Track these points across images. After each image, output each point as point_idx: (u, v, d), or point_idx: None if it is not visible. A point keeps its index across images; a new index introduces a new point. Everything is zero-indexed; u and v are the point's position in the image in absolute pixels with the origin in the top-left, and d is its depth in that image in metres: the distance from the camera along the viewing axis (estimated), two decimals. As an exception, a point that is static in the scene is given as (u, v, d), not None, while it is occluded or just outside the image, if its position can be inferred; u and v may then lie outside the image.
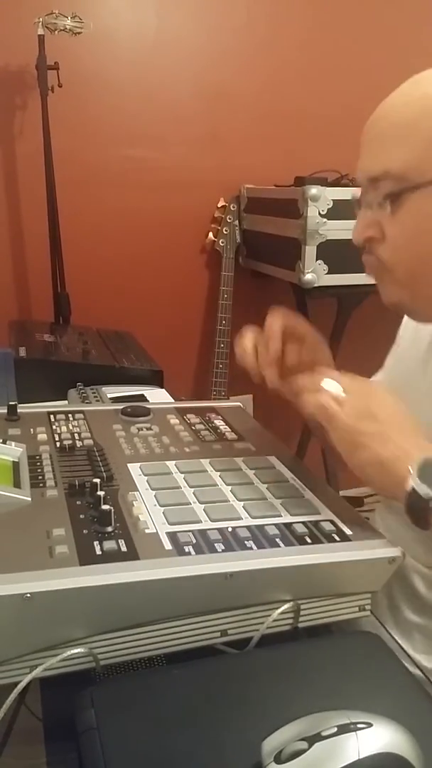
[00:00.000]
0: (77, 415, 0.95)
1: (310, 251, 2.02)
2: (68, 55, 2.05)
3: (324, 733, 0.46)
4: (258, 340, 0.91)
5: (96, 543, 0.61)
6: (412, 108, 0.75)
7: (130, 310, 2.37)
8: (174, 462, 0.80)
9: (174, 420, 0.96)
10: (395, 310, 0.86)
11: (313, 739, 0.45)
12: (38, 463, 0.78)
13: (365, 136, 0.79)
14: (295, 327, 0.92)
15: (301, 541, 0.64)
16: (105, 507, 0.63)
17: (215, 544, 0.62)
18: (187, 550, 0.61)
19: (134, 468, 0.78)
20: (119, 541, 0.61)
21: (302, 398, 0.73)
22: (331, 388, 0.71)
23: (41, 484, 0.72)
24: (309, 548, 0.64)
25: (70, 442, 0.84)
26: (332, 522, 0.68)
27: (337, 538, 0.66)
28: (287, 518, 0.68)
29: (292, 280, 2.14)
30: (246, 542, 0.63)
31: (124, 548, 0.60)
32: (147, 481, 0.75)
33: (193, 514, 0.67)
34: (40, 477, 0.74)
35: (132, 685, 0.56)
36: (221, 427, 0.95)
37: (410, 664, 0.68)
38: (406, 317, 1.03)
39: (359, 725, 0.46)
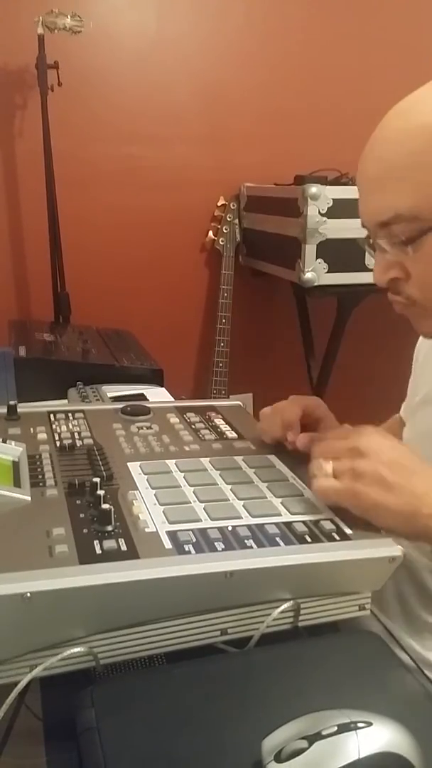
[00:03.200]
0: (77, 415, 0.95)
1: (310, 250, 2.02)
2: (68, 55, 2.06)
3: (324, 732, 0.45)
4: (274, 421, 0.86)
5: (96, 542, 0.60)
6: (411, 144, 0.69)
7: (130, 309, 2.37)
8: (174, 461, 0.80)
9: (174, 419, 0.96)
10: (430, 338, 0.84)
11: (314, 738, 0.45)
12: (38, 463, 0.78)
13: (364, 179, 0.75)
14: (312, 412, 0.88)
15: (301, 540, 0.64)
16: (105, 506, 0.63)
17: (215, 543, 0.62)
18: (187, 549, 0.61)
19: (134, 467, 0.78)
20: (119, 540, 0.61)
21: (315, 489, 0.70)
22: (325, 469, 0.69)
23: (41, 484, 0.72)
24: (309, 547, 0.63)
25: (70, 441, 0.84)
26: (332, 521, 0.68)
27: (337, 537, 0.66)
28: (287, 517, 0.68)
29: (292, 279, 2.14)
30: (246, 541, 0.63)
31: (124, 547, 0.60)
32: (147, 480, 0.74)
33: (193, 513, 0.67)
34: (40, 476, 0.74)
35: (132, 684, 0.56)
36: (221, 426, 0.95)
37: (412, 663, 0.67)
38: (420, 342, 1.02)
39: (359, 724, 0.46)
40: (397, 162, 0.71)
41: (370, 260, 1.84)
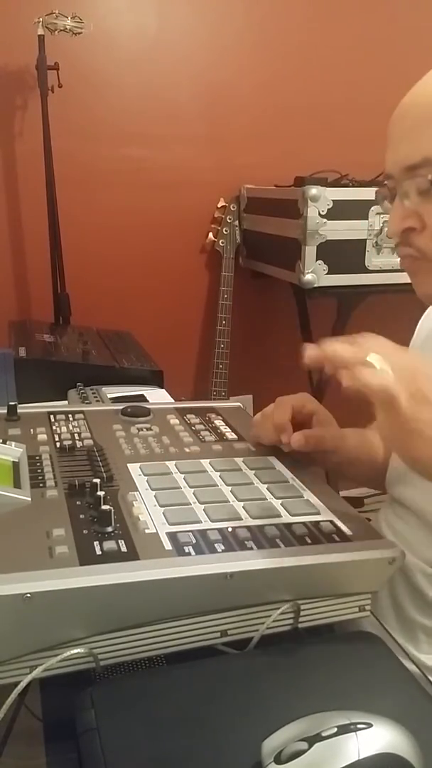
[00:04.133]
0: (77, 416, 0.95)
1: (310, 251, 2.02)
2: (68, 56, 2.06)
3: (324, 734, 0.45)
4: (265, 427, 0.86)
5: (96, 543, 0.60)
6: None
7: (130, 310, 2.37)
8: (174, 462, 0.80)
9: (174, 420, 0.96)
10: (430, 302, 0.84)
11: (313, 739, 0.45)
12: (38, 464, 0.78)
13: (397, 125, 0.77)
14: (302, 408, 0.88)
15: (301, 541, 0.64)
16: (105, 507, 0.63)
17: (215, 545, 0.62)
18: (187, 550, 0.61)
19: (134, 468, 0.78)
20: (119, 541, 0.61)
21: (348, 373, 0.60)
22: (378, 364, 0.60)
23: (41, 485, 0.72)
24: (309, 548, 0.64)
25: (70, 442, 0.84)
26: (332, 522, 0.68)
27: (337, 539, 0.66)
28: (287, 518, 0.68)
29: (292, 281, 2.14)
30: (246, 542, 0.63)
31: (124, 548, 0.60)
32: (147, 481, 0.75)
33: (193, 514, 0.67)
34: (40, 477, 0.74)
35: (132, 685, 0.56)
36: (221, 427, 0.95)
37: (411, 664, 0.67)
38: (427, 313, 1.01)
39: (359, 725, 0.46)
40: (429, 112, 0.72)
41: (370, 261, 1.86)
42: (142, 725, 0.51)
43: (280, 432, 0.84)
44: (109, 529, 0.63)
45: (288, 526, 0.67)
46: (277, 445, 0.85)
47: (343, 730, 0.46)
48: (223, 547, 0.62)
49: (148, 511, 0.67)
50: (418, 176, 0.74)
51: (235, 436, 0.91)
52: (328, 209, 2.00)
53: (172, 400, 1.32)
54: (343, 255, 2.03)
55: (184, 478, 0.76)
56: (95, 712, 0.52)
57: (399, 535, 0.91)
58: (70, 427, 0.90)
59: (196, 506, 0.69)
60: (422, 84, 0.76)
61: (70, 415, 0.95)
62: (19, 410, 0.92)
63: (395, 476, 0.96)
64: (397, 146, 0.77)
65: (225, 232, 2.45)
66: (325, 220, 2.00)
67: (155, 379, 1.48)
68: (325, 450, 0.88)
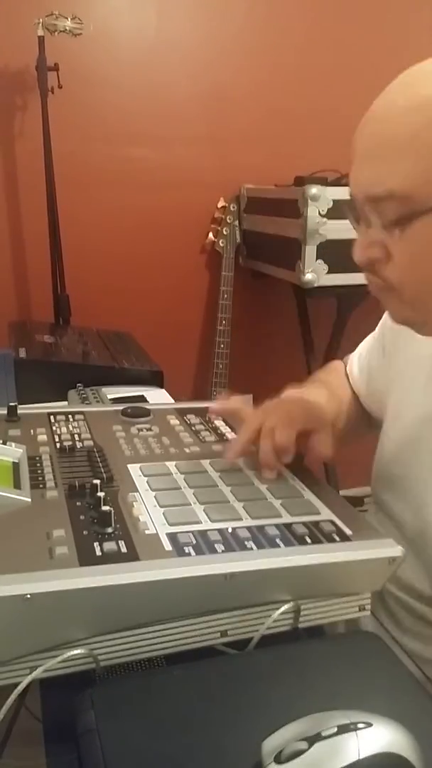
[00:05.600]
0: (77, 416, 0.95)
1: (310, 251, 2.02)
2: (68, 56, 2.06)
3: (324, 734, 0.45)
4: (266, 448, 0.80)
5: (96, 544, 0.61)
6: (413, 118, 0.64)
7: (130, 310, 2.37)
8: (174, 463, 0.80)
9: (174, 421, 0.96)
10: (404, 326, 0.79)
11: (314, 739, 0.45)
12: (38, 464, 0.78)
13: (360, 147, 0.69)
14: (305, 427, 0.82)
15: (301, 541, 0.64)
16: (105, 508, 0.63)
17: (215, 545, 0.62)
18: (187, 550, 0.61)
19: (134, 469, 0.78)
20: (119, 542, 0.61)
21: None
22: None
23: (41, 485, 0.72)
24: (309, 548, 0.64)
25: (70, 443, 0.84)
26: (332, 522, 0.68)
27: (337, 538, 0.66)
28: (287, 518, 0.68)
29: (292, 280, 2.14)
30: (246, 543, 0.63)
31: (124, 549, 0.60)
32: (147, 481, 0.75)
33: (193, 514, 0.67)
34: (40, 478, 0.74)
35: (132, 686, 0.56)
36: (221, 427, 0.95)
37: (411, 664, 0.67)
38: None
39: (359, 725, 0.46)
40: (396, 137, 0.65)
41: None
42: (142, 726, 0.51)
43: (282, 455, 0.79)
44: (109, 529, 0.63)
45: (288, 526, 0.67)
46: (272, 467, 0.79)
47: (343, 729, 0.46)
48: (223, 548, 0.62)
49: (148, 511, 0.68)
50: (382, 209, 0.68)
51: (235, 436, 0.91)
52: (329, 209, 2.00)
53: (172, 401, 1.32)
54: (344, 254, 2.01)
55: (184, 479, 0.76)
56: (95, 712, 0.52)
57: None
58: (70, 428, 0.90)
59: (196, 507, 0.69)
60: (386, 101, 0.69)
61: (70, 416, 0.95)
62: (19, 411, 0.92)
63: (382, 480, 0.95)
64: (359, 168, 0.70)
65: (225, 232, 2.45)
66: (325, 219, 2.00)
67: (155, 380, 1.48)
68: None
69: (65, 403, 1.31)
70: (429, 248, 0.67)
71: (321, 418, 0.86)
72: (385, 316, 1.03)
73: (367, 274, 0.74)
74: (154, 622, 0.58)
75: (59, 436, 0.87)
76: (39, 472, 0.76)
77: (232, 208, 2.46)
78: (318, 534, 0.66)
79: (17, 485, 0.71)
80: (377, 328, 1.05)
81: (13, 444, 0.81)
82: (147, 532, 0.64)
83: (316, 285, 2.05)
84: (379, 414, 1.01)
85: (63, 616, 0.55)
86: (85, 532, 0.62)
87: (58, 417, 0.94)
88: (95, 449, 0.83)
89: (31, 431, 0.87)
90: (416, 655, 0.74)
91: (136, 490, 0.72)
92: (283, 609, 0.62)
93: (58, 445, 0.84)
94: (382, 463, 0.95)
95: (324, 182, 2.07)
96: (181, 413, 0.99)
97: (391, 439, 0.94)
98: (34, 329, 1.84)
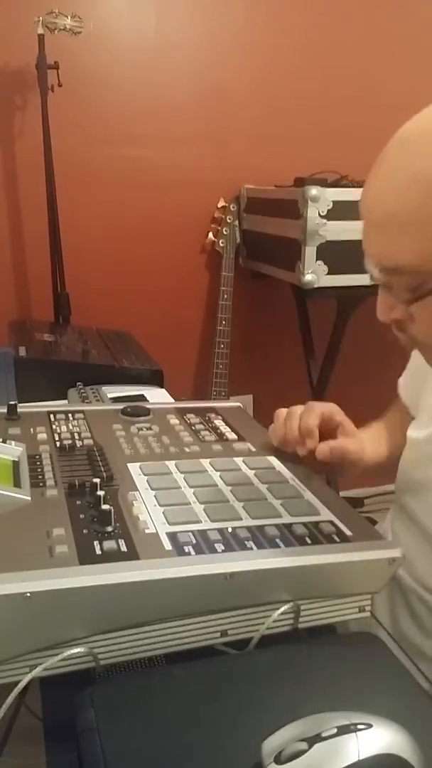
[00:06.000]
0: (77, 415, 0.95)
1: (310, 252, 2.02)
2: (68, 55, 2.06)
3: (324, 734, 0.45)
4: (291, 426, 0.85)
5: (96, 543, 0.60)
6: (414, 196, 0.62)
7: (130, 310, 2.37)
8: (174, 462, 0.80)
9: (174, 420, 0.96)
10: None
11: (313, 740, 0.45)
12: (38, 463, 0.78)
13: (365, 215, 0.68)
14: (330, 419, 0.86)
15: (301, 541, 0.64)
16: (105, 507, 0.63)
17: (215, 545, 0.62)
18: (186, 550, 0.61)
19: (134, 468, 0.78)
20: (119, 540, 0.61)
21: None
22: None
23: (41, 484, 0.72)
24: (309, 549, 0.64)
25: (70, 441, 0.84)
26: (332, 523, 0.68)
27: (336, 539, 0.66)
28: (287, 519, 0.68)
29: (292, 281, 2.14)
30: (246, 542, 0.63)
31: (123, 548, 0.60)
32: (147, 481, 0.75)
33: (193, 514, 0.67)
34: (40, 477, 0.74)
35: (132, 685, 0.56)
36: (221, 427, 0.95)
37: (411, 665, 0.67)
38: None
39: (359, 726, 0.46)
40: (396, 211, 0.64)
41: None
42: (142, 725, 0.51)
43: (307, 437, 0.82)
44: (109, 528, 0.63)
45: (288, 526, 0.67)
46: (295, 446, 0.84)
47: (343, 730, 0.46)
48: (223, 547, 0.62)
49: (148, 510, 0.68)
50: (395, 279, 0.67)
51: (235, 436, 0.91)
52: (328, 210, 2.00)
53: (172, 400, 1.32)
54: (344, 255, 2.03)
55: (184, 478, 0.76)
56: (95, 711, 0.52)
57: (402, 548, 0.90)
58: (70, 427, 0.90)
59: (196, 506, 0.69)
60: (386, 172, 0.65)
61: (70, 415, 0.95)
62: (19, 410, 0.92)
63: (405, 483, 0.95)
64: (368, 239, 0.69)
65: (225, 233, 2.45)
66: (325, 220, 2.00)
67: (155, 379, 1.48)
68: (345, 463, 0.88)
69: (65, 401, 1.31)
70: None
71: (351, 426, 0.89)
72: None
73: (395, 331, 0.73)
74: (154, 622, 0.58)
75: (59, 434, 0.87)
76: (39, 470, 0.76)
77: (232, 209, 2.46)
78: (318, 534, 0.66)
79: (17, 484, 0.71)
80: None
81: (13, 442, 0.81)
82: (147, 531, 0.64)
83: (316, 286, 2.05)
84: None
85: (63, 615, 0.55)
86: (85, 531, 0.62)
87: (58, 416, 0.94)
88: (95, 448, 0.83)
89: (31, 430, 0.87)
90: None
91: (136, 489, 0.72)
92: (282, 609, 0.62)
93: (58, 443, 0.84)
94: (404, 466, 0.95)
95: (324, 183, 2.07)
96: (181, 412, 0.99)
97: (414, 442, 0.94)
98: (34, 328, 1.84)
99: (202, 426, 0.94)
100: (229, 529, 0.65)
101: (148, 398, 1.30)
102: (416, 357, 1.03)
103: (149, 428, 0.92)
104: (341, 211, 2.00)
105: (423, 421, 0.93)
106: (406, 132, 0.65)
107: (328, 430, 0.87)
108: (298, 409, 0.86)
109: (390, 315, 0.71)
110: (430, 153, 0.61)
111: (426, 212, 0.62)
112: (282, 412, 0.87)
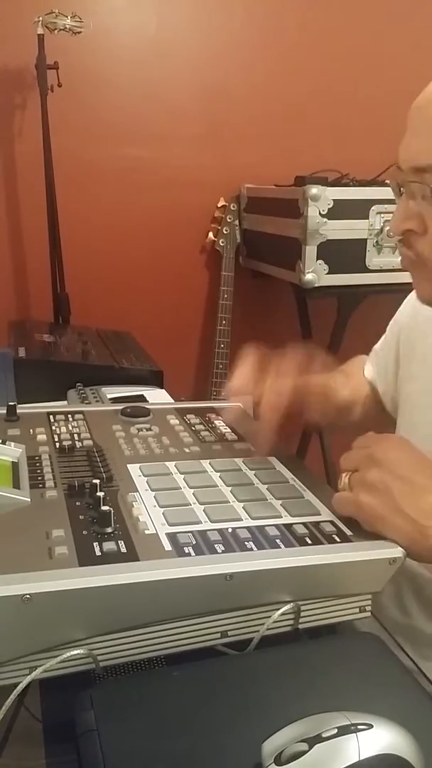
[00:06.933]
0: (77, 416, 0.94)
1: (310, 251, 2.02)
2: (68, 55, 2.06)
3: (324, 735, 0.45)
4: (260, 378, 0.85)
5: (95, 544, 0.60)
6: None
7: (130, 310, 2.37)
8: (174, 463, 0.80)
9: (174, 420, 0.96)
10: (429, 305, 0.83)
11: (314, 740, 0.45)
12: (38, 464, 0.77)
13: (412, 119, 0.74)
14: (306, 367, 0.86)
15: (302, 541, 0.64)
16: (105, 508, 0.63)
17: (215, 545, 0.62)
18: (187, 551, 0.61)
19: (134, 469, 0.78)
20: (119, 542, 0.61)
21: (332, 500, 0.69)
22: (342, 481, 0.68)
23: (41, 485, 0.72)
24: (309, 549, 0.63)
25: (69, 442, 0.84)
26: (332, 523, 0.68)
27: (337, 539, 0.66)
28: (287, 519, 0.68)
29: (292, 280, 2.14)
30: (246, 543, 0.63)
31: (123, 549, 0.60)
32: (147, 481, 0.74)
33: (193, 514, 0.67)
34: (39, 478, 0.74)
35: (132, 686, 0.56)
36: (221, 427, 0.94)
37: (411, 665, 0.67)
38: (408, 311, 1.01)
39: (360, 726, 0.46)
40: None
41: (370, 261, 1.87)
42: (142, 726, 0.51)
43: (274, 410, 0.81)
44: (109, 529, 0.62)
45: (288, 526, 0.67)
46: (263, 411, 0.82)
47: (344, 731, 0.45)
48: (223, 548, 0.62)
49: (148, 511, 0.67)
50: (426, 180, 0.72)
51: (235, 437, 0.91)
52: (329, 209, 2.00)
53: (172, 401, 1.32)
54: (344, 255, 2.03)
55: (183, 479, 0.75)
56: (95, 713, 0.52)
57: None
58: (70, 428, 0.90)
59: (196, 507, 0.69)
60: (429, 88, 0.73)
61: (69, 416, 0.94)
62: (18, 410, 0.92)
63: None
64: (409, 141, 0.75)
65: (225, 232, 2.45)
66: (325, 219, 2.00)
67: (155, 380, 1.47)
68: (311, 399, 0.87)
69: (65, 402, 1.31)
70: None
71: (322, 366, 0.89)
72: (397, 315, 1.03)
73: (401, 246, 0.78)
74: (153, 623, 0.58)
75: (59, 435, 0.87)
76: (38, 471, 0.75)
77: (232, 208, 2.46)
78: (318, 534, 0.66)
79: (16, 485, 0.71)
80: (387, 329, 1.06)
81: (13, 443, 0.80)
82: (147, 532, 0.63)
83: (316, 285, 2.05)
84: (393, 412, 1.01)
85: (62, 617, 0.55)
86: (84, 532, 0.62)
87: (58, 416, 0.94)
88: (95, 449, 0.83)
89: (31, 431, 0.87)
90: None
91: (136, 490, 0.72)
92: (283, 610, 0.62)
93: (57, 444, 0.84)
94: None
95: (324, 182, 2.07)
96: (181, 413, 0.99)
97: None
98: (34, 328, 1.84)
99: (202, 426, 0.94)
100: (230, 530, 0.65)
101: (147, 399, 1.30)
102: (386, 356, 1.04)
103: (149, 429, 0.92)
104: (342, 209, 2.00)
105: (414, 419, 0.93)
106: None
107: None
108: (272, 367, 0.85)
109: (404, 224, 0.75)
110: None
111: None
112: (250, 364, 0.87)
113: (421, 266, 0.77)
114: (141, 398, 1.30)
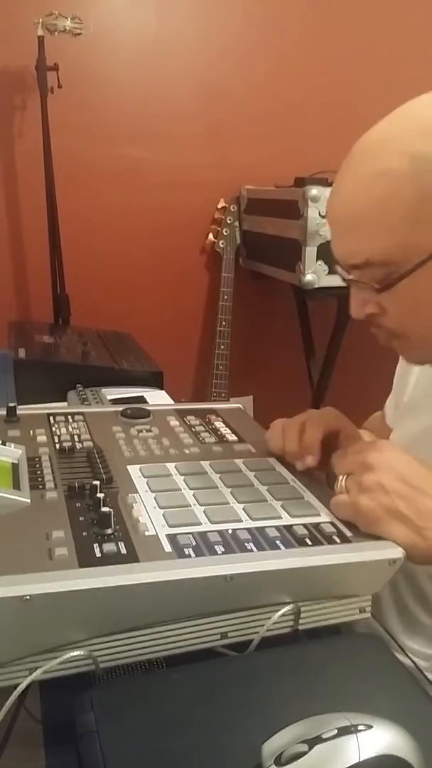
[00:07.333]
0: (77, 417, 0.94)
1: (310, 252, 2.02)
2: (68, 56, 2.06)
3: (324, 736, 0.45)
4: (291, 438, 0.82)
5: (95, 545, 0.60)
6: (376, 190, 0.68)
7: (130, 310, 2.37)
8: (174, 464, 0.80)
9: (174, 422, 0.96)
10: (421, 365, 0.83)
11: (314, 741, 0.45)
12: (38, 465, 0.77)
13: (333, 219, 0.74)
14: (332, 430, 0.84)
15: (302, 542, 0.64)
16: (105, 509, 0.63)
17: (215, 546, 0.62)
18: (187, 552, 0.61)
19: (134, 470, 0.78)
20: (119, 543, 0.61)
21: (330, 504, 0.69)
22: (339, 485, 0.69)
23: (41, 486, 0.72)
24: (309, 550, 0.63)
25: (69, 443, 0.84)
26: (332, 524, 0.68)
27: (337, 540, 0.66)
28: (287, 520, 0.68)
29: (292, 281, 2.14)
30: (246, 544, 0.63)
31: (123, 550, 0.60)
32: (147, 483, 0.74)
33: (193, 516, 0.67)
34: (39, 479, 0.74)
35: (132, 687, 0.56)
36: (221, 428, 0.94)
37: (411, 665, 0.67)
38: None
39: (360, 727, 0.46)
40: (363, 208, 0.69)
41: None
42: (142, 728, 0.51)
43: (308, 453, 0.80)
44: (109, 531, 0.62)
45: (288, 527, 0.67)
46: (296, 463, 0.80)
47: (344, 731, 0.45)
48: (223, 549, 0.62)
49: (148, 513, 0.67)
50: (365, 273, 0.71)
51: (235, 438, 0.91)
52: (329, 210, 2.00)
53: (172, 402, 1.32)
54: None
55: (184, 480, 0.75)
56: (95, 714, 0.52)
57: None
58: (70, 429, 0.90)
59: (196, 508, 0.69)
60: (350, 174, 0.72)
61: (69, 417, 0.94)
62: (18, 411, 0.92)
63: None
64: (336, 241, 0.75)
65: (225, 233, 2.45)
66: (325, 220, 1.99)
67: (155, 381, 1.47)
68: None
69: (65, 403, 1.31)
70: (421, 300, 0.71)
71: (354, 429, 0.88)
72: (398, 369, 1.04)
73: (371, 328, 0.78)
74: (153, 624, 0.58)
75: (59, 436, 0.87)
76: (38, 472, 0.75)
77: (232, 209, 2.46)
78: (318, 535, 0.66)
79: (17, 486, 0.71)
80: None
81: (13, 445, 0.80)
82: (147, 533, 0.63)
83: (316, 286, 2.05)
84: None
85: (62, 618, 0.55)
86: (84, 534, 0.62)
87: (58, 418, 0.94)
88: (95, 450, 0.83)
89: (31, 432, 0.87)
90: None
91: (136, 492, 0.72)
92: (283, 611, 0.62)
93: (57, 445, 0.84)
94: None
95: (324, 183, 2.07)
96: (181, 414, 0.99)
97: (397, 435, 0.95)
98: (34, 329, 1.84)
99: (202, 428, 0.94)
100: (230, 531, 0.65)
101: (147, 400, 1.30)
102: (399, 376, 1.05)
103: (149, 430, 0.92)
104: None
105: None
106: (368, 139, 0.71)
107: (328, 438, 0.86)
108: (296, 420, 0.84)
109: (364, 311, 0.75)
110: (392, 154, 0.67)
111: (391, 205, 0.67)
112: (279, 423, 0.85)
113: (396, 338, 0.77)
114: (141, 399, 1.30)
